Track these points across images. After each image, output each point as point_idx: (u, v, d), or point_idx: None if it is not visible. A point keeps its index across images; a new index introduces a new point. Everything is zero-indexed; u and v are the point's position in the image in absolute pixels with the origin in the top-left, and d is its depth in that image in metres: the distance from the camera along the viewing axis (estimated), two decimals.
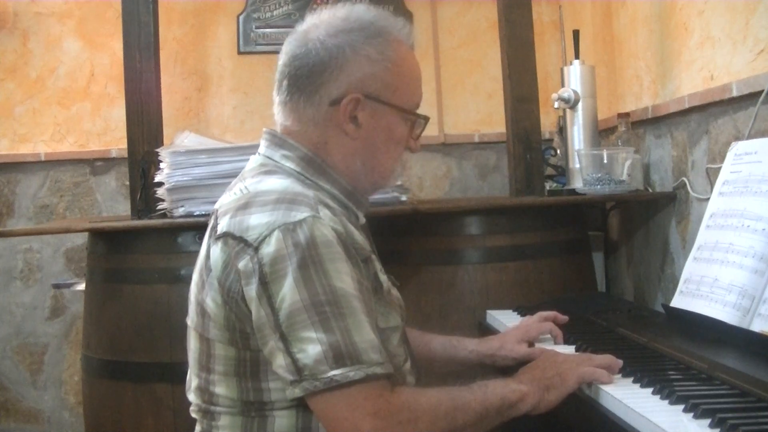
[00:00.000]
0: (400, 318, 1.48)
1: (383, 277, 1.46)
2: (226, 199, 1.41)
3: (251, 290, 1.29)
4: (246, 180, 1.43)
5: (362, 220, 1.52)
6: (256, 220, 1.31)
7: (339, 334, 1.26)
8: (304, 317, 1.26)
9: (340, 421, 1.26)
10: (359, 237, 1.41)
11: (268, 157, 1.47)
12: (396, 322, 1.46)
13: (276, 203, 1.33)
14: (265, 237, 1.29)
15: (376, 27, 1.45)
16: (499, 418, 1.36)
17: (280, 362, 1.28)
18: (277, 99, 1.48)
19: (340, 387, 1.24)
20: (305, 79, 1.43)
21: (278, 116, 1.49)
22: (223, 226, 1.35)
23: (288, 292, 1.27)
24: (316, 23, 1.46)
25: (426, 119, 1.51)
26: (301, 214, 1.30)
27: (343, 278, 1.29)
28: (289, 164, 1.44)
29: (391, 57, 1.44)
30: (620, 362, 1.43)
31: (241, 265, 1.30)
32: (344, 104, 1.42)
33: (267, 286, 1.28)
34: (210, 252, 1.36)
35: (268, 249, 1.28)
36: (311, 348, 1.25)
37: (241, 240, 1.31)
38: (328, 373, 1.24)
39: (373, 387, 1.26)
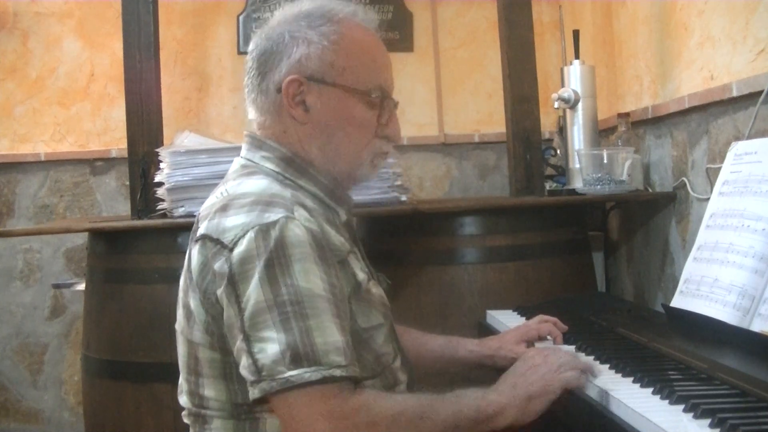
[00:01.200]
0: (382, 316, 1.46)
1: (362, 276, 1.43)
2: (208, 203, 1.42)
3: (221, 290, 1.30)
4: (227, 183, 1.43)
5: (343, 217, 1.51)
6: (233, 222, 1.31)
7: (298, 334, 1.24)
8: (267, 317, 1.25)
9: (295, 422, 1.24)
10: (336, 238, 1.39)
11: (248, 159, 1.47)
12: (377, 321, 1.44)
13: (252, 205, 1.33)
14: (240, 238, 1.29)
15: (320, 12, 1.45)
16: (473, 430, 1.32)
17: (243, 362, 1.27)
18: (246, 98, 1.51)
19: (296, 388, 1.23)
20: (255, 71, 1.46)
21: (249, 113, 1.51)
22: (201, 228, 1.36)
23: (253, 292, 1.26)
24: (271, 21, 1.48)
25: (386, 97, 1.46)
26: (275, 215, 1.30)
27: (311, 279, 1.28)
28: (269, 165, 1.44)
29: (332, 38, 1.42)
30: (600, 370, 1.42)
31: (216, 266, 1.31)
32: (285, 87, 1.42)
33: (235, 286, 1.28)
34: (191, 255, 1.37)
35: (239, 249, 1.28)
36: (270, 348, 1.24)
37: (218, 242, 1.31)
38: (285, 374, 1.23)
39: (330, 388, 1.24)
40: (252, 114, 1.49)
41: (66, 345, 3.43)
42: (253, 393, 1.26)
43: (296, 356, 1.23)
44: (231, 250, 1.29)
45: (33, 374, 3.44)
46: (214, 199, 1.41)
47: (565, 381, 1.37)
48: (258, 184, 1.39)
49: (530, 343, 1.72)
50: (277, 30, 1.45)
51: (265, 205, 1.32)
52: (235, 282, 1.28)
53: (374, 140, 1.47)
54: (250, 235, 1.28)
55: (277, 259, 1.27)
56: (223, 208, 1.35)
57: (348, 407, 1.25)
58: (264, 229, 1.28)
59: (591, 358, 1.57)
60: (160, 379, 2.29)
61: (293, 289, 1.26)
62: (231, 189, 1.39)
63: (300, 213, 1.33)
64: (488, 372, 1.70)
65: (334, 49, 1.42)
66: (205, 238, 1.34)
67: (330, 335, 1.26)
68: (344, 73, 1.43)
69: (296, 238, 1.29)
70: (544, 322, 1.76)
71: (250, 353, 1.26)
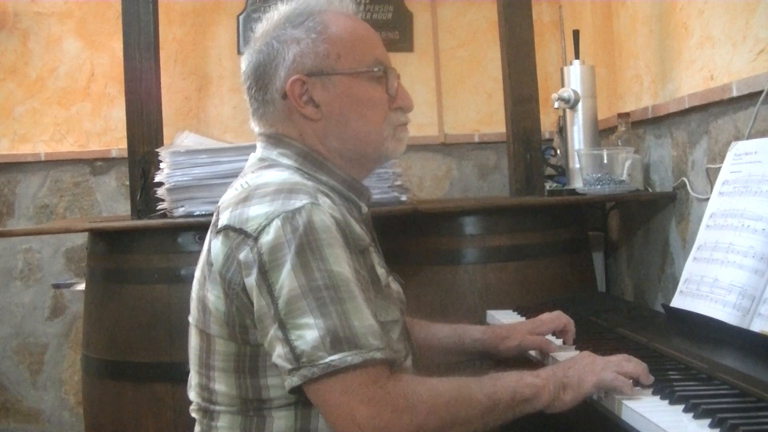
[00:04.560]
0: (399, 312, 1.47)
1: (381, 271, 1.45)
2: (228, 195, 1.43)
3: (251, 280, 1.29)
4: (247, 176, 1.44)
5: (365, 209, 1.51)
6: (256, 212, 1.32)
7: (336, 318, 1.24)
8: (303, 304, 1.25)
9: (335, 407, 1.24)
10: (358, 228, 1.40)
11: (265, 156, 1.48)
12: (395, 316, 1.45)
13: (275, 194, 1.33)
14: (265, 227, 1.29)
15: (298, 11, 1.46)
16: (509, 412, 1.31)
17: (279, 351, 1.27)
18: (249, 114, 1.51)
19: (337, 372, 1.23)
20: (254, 86, 1.47)
21: (254, 128, 1.51)
22: (223, 219, 1.36)
23: (286, 279, 1.26)
24: (254, 35, 1.50)
25: (386, 69, 1.47)
26: (300, 201, 1.31)
27: (342, 264, 1.29)
28: (287, 160, 1.45)
29: (317, 29, 1.43)
30: (652, 378, 1.34)
31: (242, 256, 1.31)
32: (290, 90, 1.42)
33: (267, 275, 1.28)
34: (211, 246, 1.37)
35: (267, 238, 1.28)
36: (309, 334, 1.24)
37: (241, 231, 1.31)
38: (326, 359, 1.23)
39: (370, 373, 1.24)
40: (262, 129, 1.49)
41: (66, 345, 3.43)
42: (291, 381, 1.25)
43: (336, 340, 1.23)
44: (256, 239, 1.29)
45: (33, 374, 3.43)
46: (233, 191, 1.41)
47: (599, 380, 1.32)
48: (279, 174, 1.40)
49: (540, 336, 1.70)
50: (263, 41, 1.46)
51: (288, 193, 1.33)
52: (266, 271, 1.28)
53: (390, 114, 1.48)
54: (277, 223, 1.29)
55: (307, 244, 1.27)
56: (245, 199, 1.35)
57: (388, 393, 1.24)
58: (290, 216, 1.29)
59: None
60: (160, 379, 2.29)
61: (327, 274, 1.26)
62: (251, 180, 1.40)
63: (323, 200, 1.34)
64: (491, 362, 1.70)
65: (323, 39, 1.43)
66: (227, 228, 1.34)
67: (365, 319, 1.26)
68: (340, 59, 1.44)
69: (323, 224, 1.29)
70: (559, 318, 1.73)
71: (287, 341, 1.25)
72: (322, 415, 1.29)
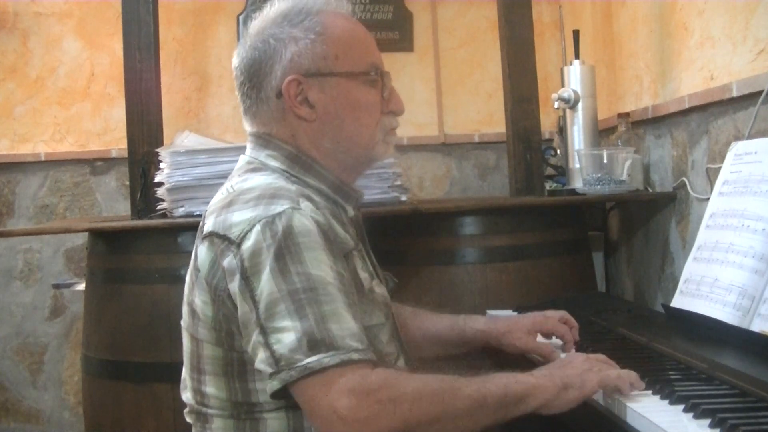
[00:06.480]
0: (383, 316, 1.46)
1: (364, 275, 1.44)
2: (214, 199, 1.43)
3: (235, 286, 1.29)
4: (233, 179, 1.44)
5: (350, 212, 1.51)
6: (239, 217, 1.32)
7: (313, 320, 1.23)
8: (281, 307, 1.25)
9: (316, 402, 1.22)
10: (341, 232, 1.40)
11: (253, 158, 1.48)
12: (379, 320, 1.44)
13: (257, 199, 1.33)
14: (247, 233, 1.29)
15: (296, 10, 1.46)
16: (502, 410, 1.26)
17: (261, 356, 1.26)
18: (241, 111, 1.51)
19: (316, 373, 1.22)
20: (248, 84, 1.46)
21: (246, 127, 1.51)
22: (208, 225, 1.36)
23: (266, 284, 1.26)
24: (249, 31, 1.49)
25: (382, 73, 1.47)
26: (281, 206, 1.31)
27: (322, 267, 1.28)
28: (275, 163, 1.45)
29: (316, 30, 1.43)
30: (642, 384, 1.32)
31: (225, 262, 1.31)
32: (285, 90, 1.42)
33: (248, 281, 1.28)
34: (198, 252, 1.37)
35: (248, 243, 1.29)
36: (287, 337, 1.23)
37: (225, 238, 1.32)
38: (303, 361, 1.22)
39: (350, 369, 1.22)
40: (254, 127, 1.48)
41: (66, 345, 3.43)
42: (273, 385, 1.25)
43: (313, 342, 1.22)
44: (239, 245, 1.29)
45: (33, 374, 3.43)
46: (219, 195, 1.42)
47: (603, 377, 1.31)
48: (263, 179, 1.40)
49: (546, 336, 1.69)
50: (259, 38, 1.45)
51: (270, 198, 1.33)
52: (247, 277, 1.28)
53: (382, 118, 1.48)
54: (257, 228, 1.29)
55: (286, 248, 1.27)
56: (229, 204, 1.35)
57: (370, 383, 1.22)
58: (270, 221, 1.29)
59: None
60: (160, 379, 2.29)
61: (305, 277, 1.26)
62: (236, 185, 1.40)
63: (305, 204, 1.34)
64: (493, 361, 1.69)
65: (322, 39, 1.43)
66: (212, 235, 1.34)
67: (344, 321, 1.25)
68: (338, 60, 1.44)
69: (303, 228, 1.29)
70: (563, 323, 1.70)
71: (268, 345, 1.25)
72: (306, 415, 1.28)
